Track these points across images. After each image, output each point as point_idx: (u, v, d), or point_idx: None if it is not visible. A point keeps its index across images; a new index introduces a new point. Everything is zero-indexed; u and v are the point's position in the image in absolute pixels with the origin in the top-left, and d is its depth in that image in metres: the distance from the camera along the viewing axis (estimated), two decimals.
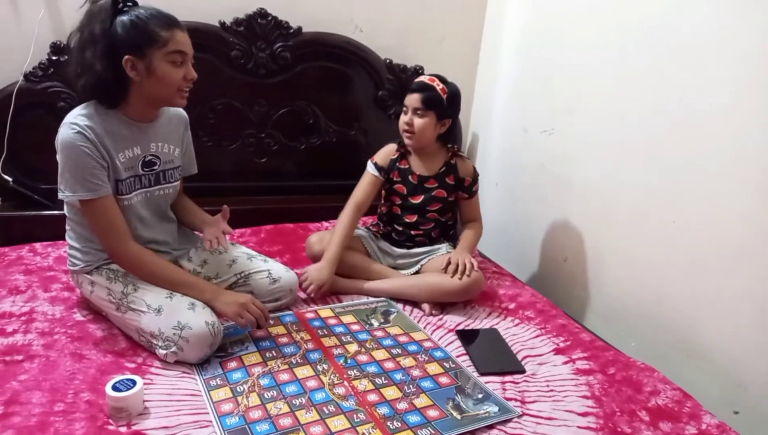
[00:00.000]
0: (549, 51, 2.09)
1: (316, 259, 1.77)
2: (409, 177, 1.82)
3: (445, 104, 1.75)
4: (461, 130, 2.45)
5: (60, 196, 1.36)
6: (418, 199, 1.82)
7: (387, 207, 1.90)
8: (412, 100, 1.74)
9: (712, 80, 1.48)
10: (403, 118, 1.77)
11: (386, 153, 1.86)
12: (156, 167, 1.47)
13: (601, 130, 1.84)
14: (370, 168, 1.85)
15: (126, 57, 1.29)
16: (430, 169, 1.82)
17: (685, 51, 1.54)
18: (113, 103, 1.37)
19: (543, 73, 2.12)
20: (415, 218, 1.83)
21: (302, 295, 1.70)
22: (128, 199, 1.42)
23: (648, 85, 1.66)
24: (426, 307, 1.69)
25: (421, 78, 1.80)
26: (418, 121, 1.74)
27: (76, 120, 1.32)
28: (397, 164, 1.83)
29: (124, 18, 1.30)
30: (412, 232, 1.85)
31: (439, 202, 1.82)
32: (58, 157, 1.34)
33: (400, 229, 1.86)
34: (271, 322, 1.49)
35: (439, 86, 1.75)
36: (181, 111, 1.53)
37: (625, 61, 1.74)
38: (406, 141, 1.79)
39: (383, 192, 1.88)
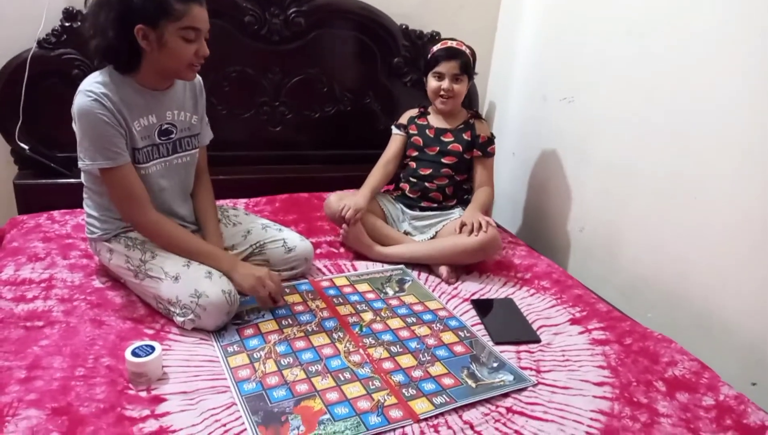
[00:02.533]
0: (571, 16, 2.02)
1: (333, 216, 1.79)
2: (427, 131, 1.89)
3: (473, 66, 1.84)
4: (478, 96, 2.40)
5: (80, 164, 1.36)
6: (433, 151, 1.87)
7: (404, 162, 1.94)
8: (451, 66, 1.78)
9: (739, 56, 1.43)
10: (441, 85, 1.80)
11: (408, 114, 1.96)
12: (173, 136, 1.46)
13: (624, 100, 1.79)
14: (393, 130, 1.96)
15: (138, 26, 1.27)
16: (448, 125, 1.88)
17: (714, 25, 1.49)
18: (125, 70, 1.35)
19: (564, 40, 2.06)
20: (429, 171, 1.86)
21: (317, 263, 1.71)
22: (145, 169, 1.41)
23: (674, 56, 1.60)
24: (443, 270, 1.69)
25: (448, 43, 1.83)
26: (457, 87, 1.80)
27: (91, 87, 1.31)
28: (416, 120, 1.92)
29: None
30: (427, 185, 1.86)
31: (454, 156, 1.86)
32: (76, 126, 1.34)
33: (415, 181, 1.87)
34: (287, 291, 1.50)
35: (467, 50, 1.82)
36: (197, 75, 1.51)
37: (651, 31, 1.68)
38: (441, 106, 1.85)
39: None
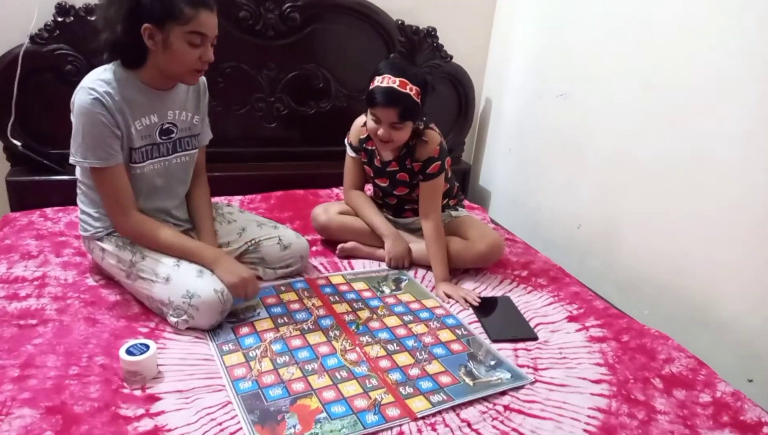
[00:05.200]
0: (566, 12, 2.02)
1: (321, 229, 1.78)
2: (374, 160, 1.74)
3: (420, 107, 1.55)
4: (474, 92, 2.39)
5: (71, 160, 1.35)
6: (384, 183, 1.75)
7: (371, 190, 1.87)
8: (388, 115, 1.52)
9: (736, 47, 1.42)
10: (378, 131, 1.56)
11: (356, 131, 1.76)
12: (173, 135, 1.44)
13: (620, 94, 1.78)
14: (347, 148, 1.80)
15: (145, 25, 1.26)
16: (392, 153, 1.70)
17: (709, 17, 1.49)
18: (131, 65, 1.34)
19: (560, 36, 2.05)
20: (395, 202, 1.80)
21: (313, 261, 1.70)
22: (140, 168, 1.40)
23: (671, 50, 1.60)
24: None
25: (387, 83, 1.51)
26: (396, 135, 1.56)
27: (94, 85, 1.29)
28: (365, 145, 1.75)
29: None
30: (404, 214, 1.83)
31: (405, 187, 1.73)
32: (73, 120, 1.32)
33: (392, 212, 1.84)
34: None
35: (412, 90, 1.51)
36: None
37: (648, 26, 1.67)
38: (381, 149, 1.68)
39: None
